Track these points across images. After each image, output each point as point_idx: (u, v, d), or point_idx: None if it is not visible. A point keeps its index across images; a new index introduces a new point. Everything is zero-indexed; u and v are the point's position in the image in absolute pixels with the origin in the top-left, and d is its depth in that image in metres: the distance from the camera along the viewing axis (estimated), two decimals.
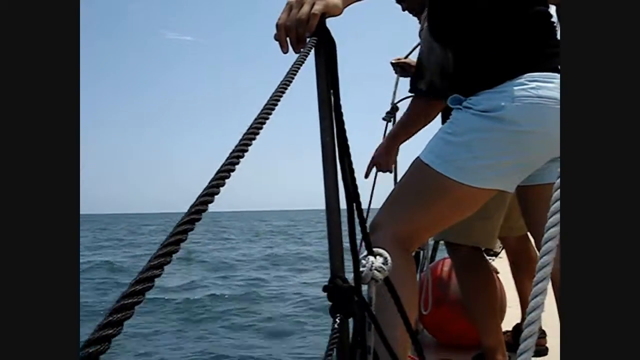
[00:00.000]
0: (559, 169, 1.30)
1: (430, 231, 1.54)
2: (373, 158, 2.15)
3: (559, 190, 0.68)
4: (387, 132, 2.43)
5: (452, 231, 1.79)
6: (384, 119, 2.52)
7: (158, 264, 0.47)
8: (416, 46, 2.55)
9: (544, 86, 1.25)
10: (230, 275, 12.66)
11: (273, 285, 11.02)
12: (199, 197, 0.55)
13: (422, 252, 2.53)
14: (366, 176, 2.18)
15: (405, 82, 2.51)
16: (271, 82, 0.97)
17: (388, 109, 2.54)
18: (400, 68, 2.45)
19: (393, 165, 2.21)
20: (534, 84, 1.24)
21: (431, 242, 2.60)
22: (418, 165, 1.36)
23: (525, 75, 1.27)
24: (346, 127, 1.04)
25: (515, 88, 1.25)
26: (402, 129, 2.08)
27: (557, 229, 0.67)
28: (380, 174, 2.20)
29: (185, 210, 0.53)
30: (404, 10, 2.11)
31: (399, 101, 2.52)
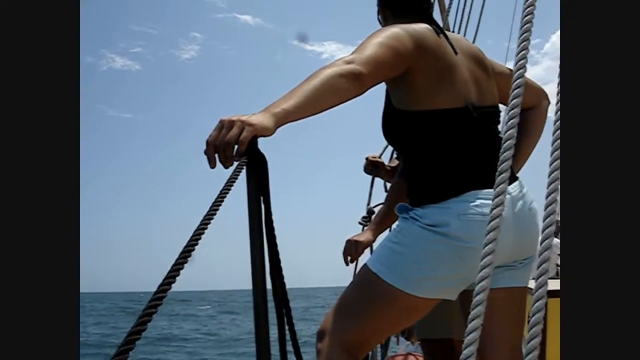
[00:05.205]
0: (504, 274, 1.38)
1: (378, 338, 1.64)
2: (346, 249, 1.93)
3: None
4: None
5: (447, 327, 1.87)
6: (360, 223, 2.25)
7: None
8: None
9: (487, 203, 1.23)
10: None
11: None
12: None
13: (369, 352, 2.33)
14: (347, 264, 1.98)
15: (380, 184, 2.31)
16: None
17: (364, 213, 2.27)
18: (373, 166, 2.25)
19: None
20: (478, 202, 1.29)
21: None
22: (366, 273, 1.39)
23: (470, 192, 1.32)
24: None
25: (460, 206, 1.31)
26: (385, 218, 1.93)
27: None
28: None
29: None
30: None
31: (375, 206, 2.28)
